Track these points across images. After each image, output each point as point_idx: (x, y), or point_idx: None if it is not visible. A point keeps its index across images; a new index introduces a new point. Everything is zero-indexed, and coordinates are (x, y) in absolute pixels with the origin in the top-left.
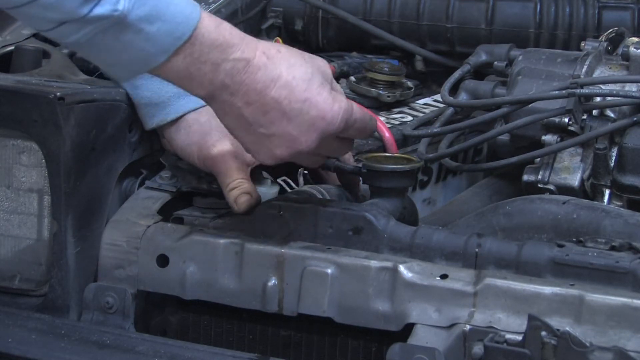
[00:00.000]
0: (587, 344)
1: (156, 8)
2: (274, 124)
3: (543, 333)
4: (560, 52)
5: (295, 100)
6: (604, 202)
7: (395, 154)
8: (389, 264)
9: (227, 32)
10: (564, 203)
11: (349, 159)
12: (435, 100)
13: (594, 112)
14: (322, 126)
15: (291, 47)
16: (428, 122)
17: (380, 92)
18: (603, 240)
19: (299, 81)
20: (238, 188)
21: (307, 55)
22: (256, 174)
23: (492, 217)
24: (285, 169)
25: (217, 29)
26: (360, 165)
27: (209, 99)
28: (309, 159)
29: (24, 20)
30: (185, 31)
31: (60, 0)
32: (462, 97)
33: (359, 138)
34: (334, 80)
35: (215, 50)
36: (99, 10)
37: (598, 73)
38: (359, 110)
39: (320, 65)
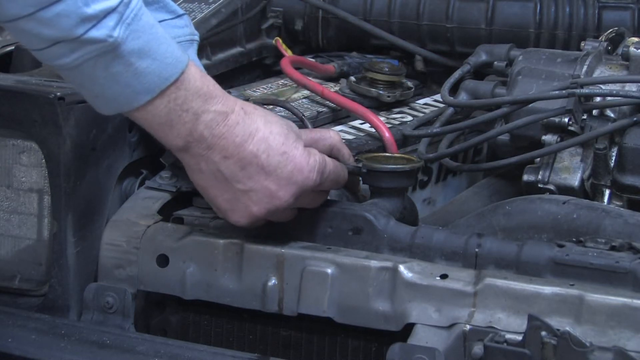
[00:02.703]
0: (587, 344)
1: (149, 44)
2: (252, 179)
3: (543, 333)
4: (560, 52)
5: (273, 154)
6: (604, 202)
7: (395, 154)
8: (389, 264)
9: (211, 83)
10: (564, 203)
11: (349, 159)
12: (435, 100)
13: (594, 112)
14: (300, 180)
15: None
16: (428, 122)
17: (380, 92)
18: (603, 240)
19: (276, 136)
20: None
21: (278, 115)
22: None
23: (492, 217)
24: None
25: (202, 78)
26: (360, 165)
27: (184, 152)
28: (284, 215)
29: (18, 36)
30: (173, 73)
31: (58, 16)
32: (462, 97)
33: (332, 189)
34: (304, 131)
35: (198, 99)
36: (95, 32)
37: (598, 73)
38: (331, 162)
39: (292, 125)
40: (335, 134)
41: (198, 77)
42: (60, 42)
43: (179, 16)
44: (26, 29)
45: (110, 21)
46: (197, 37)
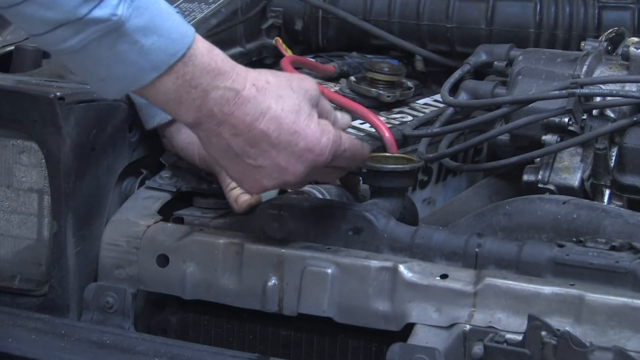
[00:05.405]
0: (587, 344)
1: (153, 21)
2: (262, 156)
3: (543, 333)
4: (560, 52)
5: (284, 132)
6: (604, 202)
7: (395, 154)
8: (389, 264)
9: (219, 58)
10: (564, 203)
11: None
12: (435, 100)
13: (594, 112)
14: (311, 158)
15: (279, 75)
16: (428, 122)
17: (380, 92)
18: (603, 240)
19: (287, 113)
20: (238, 188)
21: (294, 81)
22: None
23: (492, 217)
24: None
25: (209, 54)
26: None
27: (195, 127)
28: (296, 186)
29: (19, 21)
30: (179, 49)
31: None
32: (462, 97)
33: (350, 167)
34: (322, 98)
35: (206, 76)
36: (98, 12)
37: (598, 73)
38: (348, 140)
39: (307, 89)
40: (347, 119)
41: (206, 52)
42: (63, 24)
43: None
44: (27, 13)
45: None
46: None
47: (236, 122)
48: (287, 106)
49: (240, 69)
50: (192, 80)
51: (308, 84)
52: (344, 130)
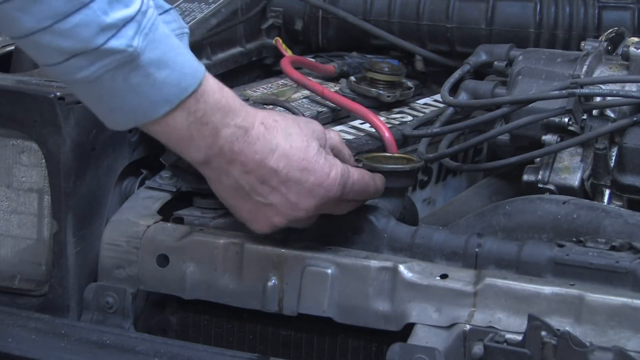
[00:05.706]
0: (587, 344)
1: (166, 55)
2: (272, 193)
3: (543, 333)
4: (560, 52)
5: (293, 169)
6: (604, 202)
7: (395, 154)
8: (389, 264)
9: (230, 96)
10: (564, 203)
11: (349, 159)
12: (435, 100)
13: (594, 112)
14: (321, 193)
15: (287, 115)
16: (428, 122)
17: (380, 92)
18: (603, 240)
19: (296, 150)
20: None
21: (302, 121)
22: None
23: (492, 217)
24: None
25: (220, 91)
26: (360, 165)
27: (204, 165)
28: (306, 222)
29: (33, 51)
30: (191, 83)
31: (77, 26)
32: (462, 97)
33: (361, 200)
34: (328, 140)
35: (217, 113)
36: (114, 42)
37: (598, 73)
38: (356, 172)
39: (315, 130)
40: (335, 135)
41: (217, 89)
42: (78, 54)
43: (166, 11)
44: (43, 42)
45: (129, 30)
46: (186, 30)
47: (246, 160)
48: (296, 143)
49: (249, 107)
50: (204, 117)
51: (315, 125)
52: (333, 152)
